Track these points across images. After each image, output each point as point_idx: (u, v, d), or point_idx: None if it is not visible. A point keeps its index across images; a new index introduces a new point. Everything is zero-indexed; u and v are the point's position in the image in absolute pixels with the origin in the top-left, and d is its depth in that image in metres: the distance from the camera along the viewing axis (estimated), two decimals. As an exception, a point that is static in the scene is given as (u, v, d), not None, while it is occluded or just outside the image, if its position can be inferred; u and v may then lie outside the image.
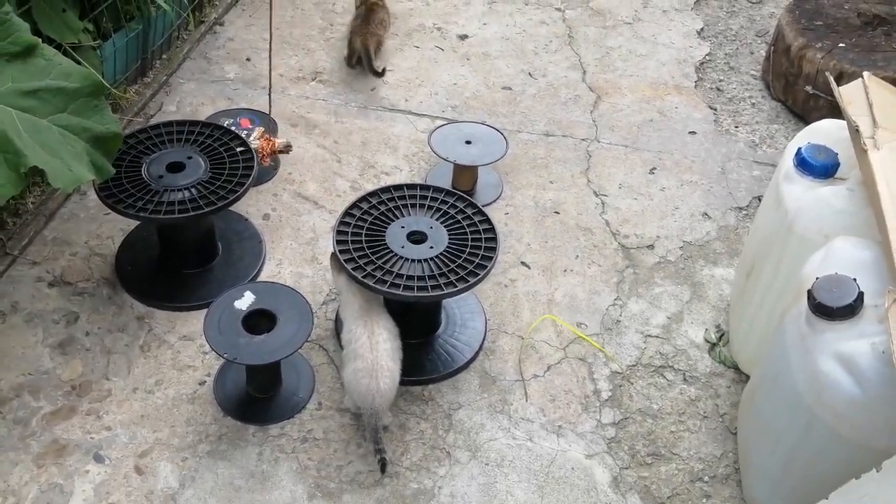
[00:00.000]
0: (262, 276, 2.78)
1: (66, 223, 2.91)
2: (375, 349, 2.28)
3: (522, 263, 2.90)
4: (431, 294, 2.28)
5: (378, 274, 2.32)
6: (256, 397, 2.45)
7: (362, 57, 3.65)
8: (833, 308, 1.88)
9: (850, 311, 1.87)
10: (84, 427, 2.34)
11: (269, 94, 2.93)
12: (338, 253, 2.36)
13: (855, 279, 1.91)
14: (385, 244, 2.41)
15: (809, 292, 1.94)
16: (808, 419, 1.95)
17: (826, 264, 2.01)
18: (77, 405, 2.39)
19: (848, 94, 2.26)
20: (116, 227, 2.87)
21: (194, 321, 2.59)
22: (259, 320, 2.34)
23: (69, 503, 2.18)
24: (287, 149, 2.94)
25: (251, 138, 3.10)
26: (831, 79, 2.38)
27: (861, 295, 1.88)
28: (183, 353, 2.55)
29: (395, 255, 2.38)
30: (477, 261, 2.38)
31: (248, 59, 3.73)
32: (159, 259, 2.76)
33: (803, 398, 1.95)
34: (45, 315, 2.61)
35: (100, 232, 2.88)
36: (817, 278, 1.95)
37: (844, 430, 1.86)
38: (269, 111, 2.95)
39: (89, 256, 2.80)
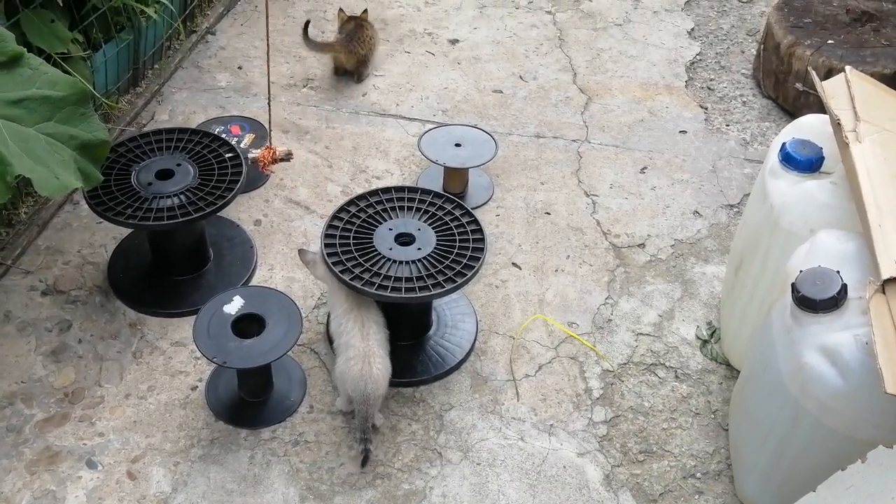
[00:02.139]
0: (254, 282, 2.80)
1: (60, 232, 2.92)
2: (367, 338, 2.30)
3: (513, 264, 2.91)
4: (419, 295, 2.29)
5: (366, 276, 2.32)
6: (248, 401, 2.45)
7: (355, 76, 3.72)
8: (817, 301, 1.89)
9: (834, 303, 1.88)
10: (77, 434, 2.35)
11: (269, 104, 2.92)
12: (325, 254, 2.37)
13: (839, 272, 1.91)
14: (373, 246, 2.42)
15: (793, 285, 1.94)
16: (795, 412, 1.95)
17: (810, 257, 2.02)
18: (70, 412, 2.40)
19: (830, 89, 2.27)
20: (109, 236, 2.89)
21: (186, 327, 2.60)
22: (249, 324, 2.35)
23: (62, 509, 2.19)
24: (288, 157, 2.96)
25: (242, 144, 3.12)
26: (814, 74, 2.39)
27: (845, 287, 1.89)
28: (175, 358, 2.56)
29: (383, 256, 2.39)
30: (465, 262, 2.39)
31: (239, 68, 3.75)
32: (151, 266, 2.77)
33: (789, 391, 1.95)
34: (38, 323, 2.62)
35: (92, 241, 2.89)
36: (801, 271, 1.95)
37: (830, 422, 1.87)
38: (269, 123, 2.94)
39: (82, 265, 2.81)
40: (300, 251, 2.53)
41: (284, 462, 2.32)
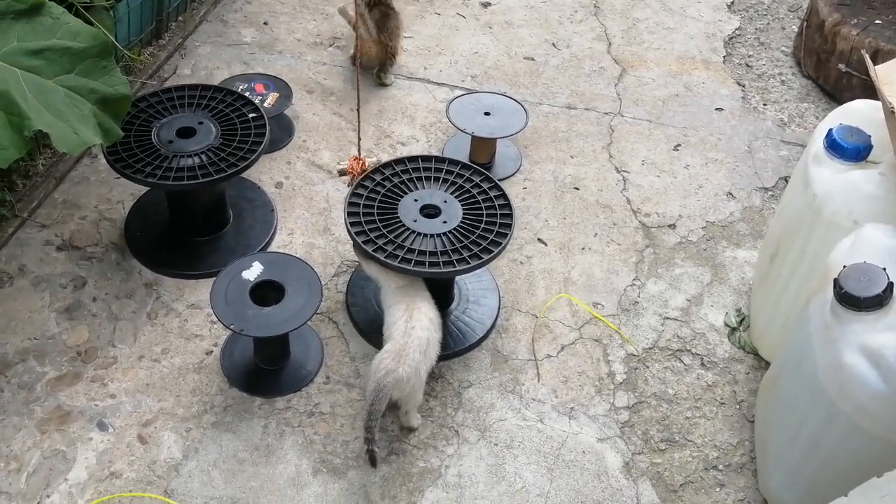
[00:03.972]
0: (274, 246, 2.73)
1: (77, 186, 2.86)
2: (408, 335, 2.17)
3: (539, 240, 2.83)
4: (444, 270, 2.22)
5: (389, 248, 2.26)
6: (264, 369, 2.40)
7: (377, 69, 3.38)
8: (860, 298, 1.81)
9: (879, 301, 1.80)
10: (88, 394, 2.31)
11: (358, 116, 2.64)
12: (348, 223, 2.30)
13: (885, 269, 1.83)
14: (397, 217, 2.34)
15: (836, 281, 1.86)
16: (830, 411, 1.88)
17: (854, 252, 1.93)
18: (82, 371, 2.36)
19: (884, 74, 2.16)
20: (127, 192, 2.83)
21: (203, 289, 2.55)
22: (267, 291, 2.29)
23: (71, 470, 2.15)
24: (376, 166, 2.76)
25: (266, 104, 3.03)
26: (867, 57, 2.28)
27: (891, 285, 1.81)
28: (190, 321, 2.51)
29: (408, 228, 2.31)
30: (491, 237, 2.31)
31: (265, 23, 3.66)
32: (169, 225, 2.71)
33: (825, 389, 1.88)
34: (53, 279, 2.57)
35: (110, 196, 2.83)
36: (844, 266, 1.87)
37: (867, 424, 1.79)
38: (359, 139, 2.66)
39: (99, 220, 2.76)
40: (355, 245, 2.35)
41: (298, 433, 2.27)
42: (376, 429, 2.11)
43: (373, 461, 2.14)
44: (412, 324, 2.19)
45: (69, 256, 2.64)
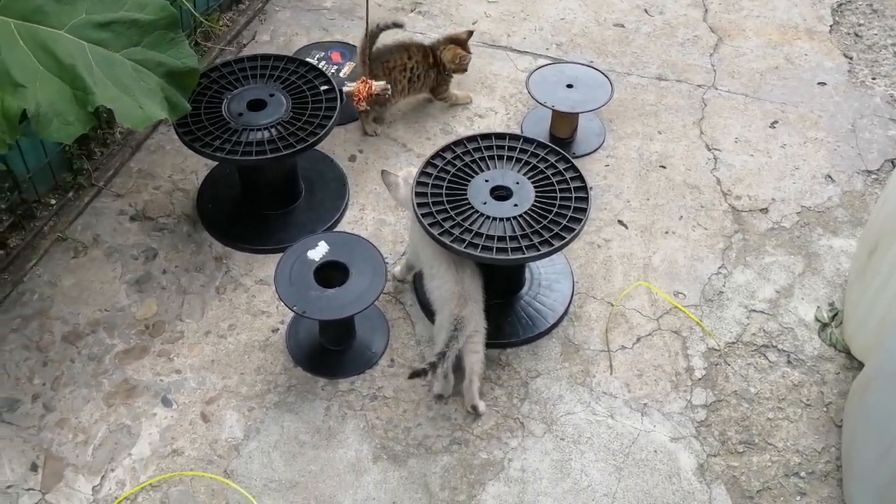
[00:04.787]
0: (344, 222, 2.68)
1: (152, 155, 2.86)
2: (461, 282, 2.18)
3: (619, 222, 2.70)
4: (511, 258, 2.12)
5: (456, 231, 2.17)
6: (328, 349, 2.37)
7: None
8: (968, 309, 1.63)
9: None
10: (154, 369, 2.32)
11: (367, 33, 2.65)
12: (415, 205, 2.22)
13: None
14: (466, 199, 2.25)
15: (940, 288, 1.69)
16: (926, 430, 1.72)
17: (964, 255, 1.75)
18: (149, 345, 2.36)
19: None
20: (201, 162, 2.81)
21: (272, 265, 2.49)
22: (332, 272, 2.24)
23: (136, 445, 2.16)
24: (385, 92, 2.73)
25: (342, 73, 2.98)
26: None
27: None
28: (258, 297, 2.48)
29: (477, 211, 2.22)
30: (564, 223, 2.19)
31: (346, -13, 3.58)
32: (240, 198, 2.69)
33: (922, 406, 1.72)
34: (125, 250, 2.58)
35: (184, 166, 2.82)
36: (952, 272, 1.69)
37: (968, 450, 1.63)
38: (368, 55, 2.65)
39: (172, 191, 2.75)
40: (383, 172, 2.37)
41: (361, 417, 2.23)
42: (446, 359, 2.09)
43: (416, 374, 2.13)
44: (461, 274, 2.19)
45: (142, 227, 2.65)
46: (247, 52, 3.23)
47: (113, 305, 2.45)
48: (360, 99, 2.60)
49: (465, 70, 2.95)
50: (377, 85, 2.63)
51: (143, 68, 2.14)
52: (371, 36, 2.75)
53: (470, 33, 2.93)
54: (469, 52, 2.90)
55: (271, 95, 2.53)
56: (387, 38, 2.87)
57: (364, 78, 2.62)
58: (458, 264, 2.19)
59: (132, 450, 2.15)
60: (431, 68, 2.91)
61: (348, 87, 2.58)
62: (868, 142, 2.95)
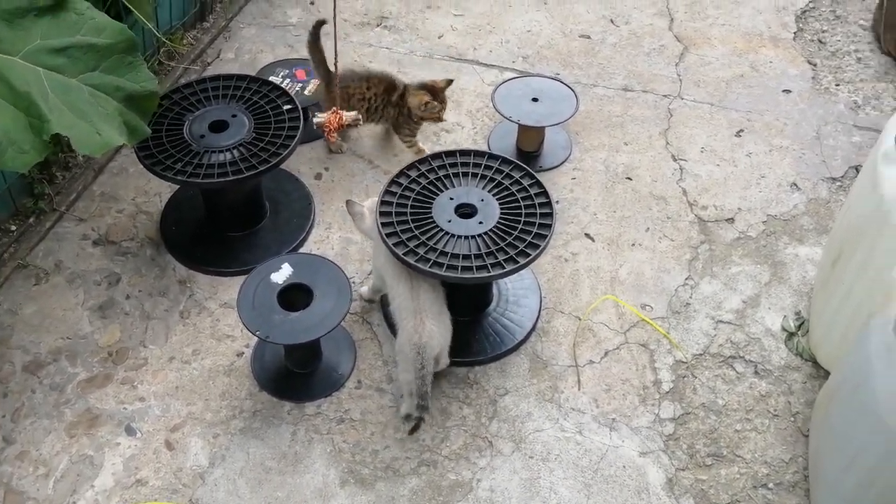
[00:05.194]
0: (310, 241, 2.66)
1: (115, 177, 2.83)
2: (417, 299, 2.16)
3: (586, 235, 2.69)
4: (476, 276, 2.11)
5: (421, 251, 2.15)
6: (294, 372, 2.34)
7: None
8: (926, 323, 1.64)
9: (946, 327, 1.63)
10: (118, 397, 2.28)
11: (336, 63, 2.60)
12: (379, 225, 2.20)
13: (955, 289, 1.65)
14: (431, 218, 2.24)
15: (899, 301, 1.69)
16: (889, 442, 1.72)
17: (922, 267, 1.75)
18: (112, 373, 2.33)
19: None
20: (164, 184, 2.78)
21: (236, 287, 2.45)
22: (297, 294, 2.22)
23: (98, 476, 2.13)
24: (356, 122, 2.68)
25: (307, 91, 2.95)
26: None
27: (961, 309, 1.63)
28: (223, 321, 2.46)
29: (441, 230, 2.21)
30: (529, 239, 2.19)
31: (311, 3, 3.56)
32: (205, 220, 2.66)
33: (884, 418, 1.72)
34: (88, 276, 2.55)
35: (148, 188, 2.80)
36: (910, 285, 1.70)
37: (929, 463, 1.64)
38: (336, 86, 2.63)
39: (136, 214, 2.72)
40: (348, 202, 2.35)
41: (327, 441, 2.21)
42: (429, 395, 2.12)
43: (415, 429, 2.17)
44: (416, 292, 2.17)
45: (105, 252, 2.62)
46: (211, 70, 3.21)
47: (75, 333, 2.42)
48: (330, 130, 2.56)
49: (440, 120, 2.84)
50: (348, 115, 2.59)
51: (101, 93, 2.11)
52: (313, 42, 2.72)
53: (449, 82, 2.79)
54: (442, 102, 2.79)
55: (233, 116, 2.51)
56: (374, 66, 2.87)
57: (335, 108, 2.58)
58: (413, 278, 2.18)
59: (95, 481, 2.12)
60: (392, 105, 2.80)
61: (319, 119, 2.55)
62: (832, 149, 2.96)
